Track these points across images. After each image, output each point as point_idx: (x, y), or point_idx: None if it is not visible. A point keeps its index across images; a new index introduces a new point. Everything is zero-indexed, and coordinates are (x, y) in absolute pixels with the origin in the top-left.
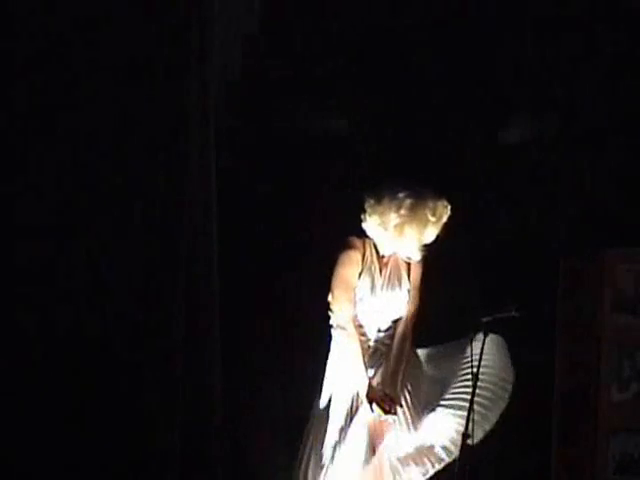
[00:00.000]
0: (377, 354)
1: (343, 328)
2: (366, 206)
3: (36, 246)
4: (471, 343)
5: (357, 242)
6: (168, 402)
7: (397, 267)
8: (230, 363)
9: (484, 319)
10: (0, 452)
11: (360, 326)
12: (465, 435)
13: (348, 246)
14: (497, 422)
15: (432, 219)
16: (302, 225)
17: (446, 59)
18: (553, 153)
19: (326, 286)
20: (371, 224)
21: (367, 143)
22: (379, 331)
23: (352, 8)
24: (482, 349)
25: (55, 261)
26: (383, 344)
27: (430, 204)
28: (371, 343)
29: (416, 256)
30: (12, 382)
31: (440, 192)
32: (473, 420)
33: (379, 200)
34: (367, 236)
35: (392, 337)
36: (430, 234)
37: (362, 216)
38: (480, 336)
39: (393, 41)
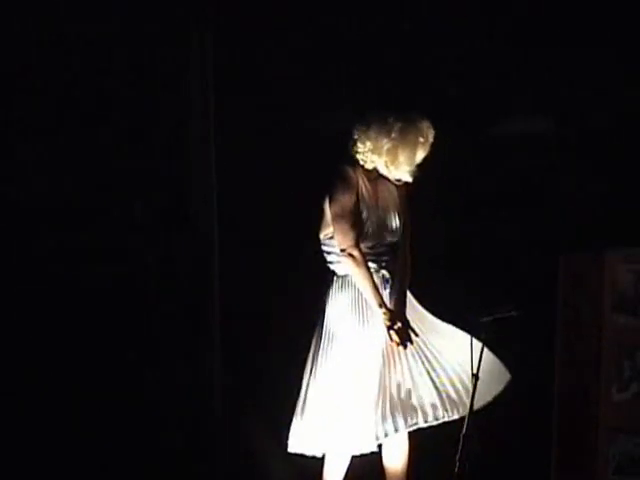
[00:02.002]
0: (382, 280)
1: (350, 255)
2: (356, 134)
3: (35, 245)
4: (471, 343)
5: (349, 170)
6: (168, 402)
7: (388, 192)
8: (230, 363)
9: (484, 319)
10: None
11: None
12: (465, 435)
13: (342, 174)
14: (497, 422)
15: (421, 140)
16: (302, 224)
17: (446, 56)
18: (553, 153)
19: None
20: (363, 150)
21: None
22: (379, 256)
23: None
24: (482, 349)
25: (54, 261)
26: (386, 269)
27: (418, 126)
28: (375, 268)
29: (408, 178)
30: (12, 382)
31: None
32: (473, 420)
33: (369, 126)
34: (357, 163)
35: (393, 262)
36: (420, 155)
37: (351, 143)
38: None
39: (392, 36)
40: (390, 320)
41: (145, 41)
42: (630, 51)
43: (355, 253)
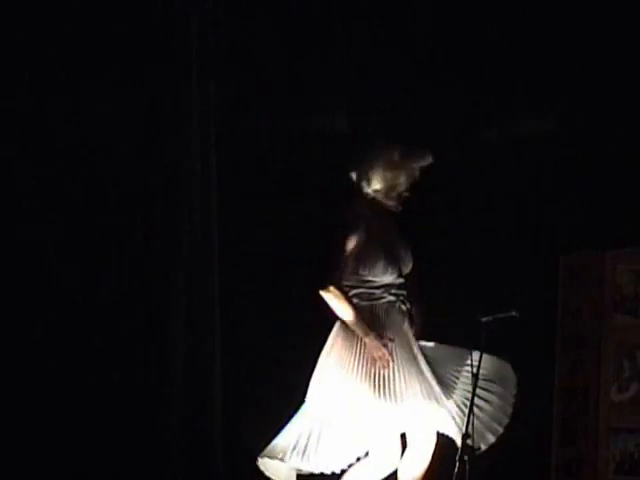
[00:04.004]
0: (402, 313)
1: (330, 291)
2: (356, 170)
3: (36, 245)
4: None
5: (354, 210)
6: (169, 402)
7: (394, 224)
8: (230, 363)
9: (484, 319)
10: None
11: (378, 287)
12: (465, 435)
13: (349, 217)
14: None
15: (419, 166)
16: (302, 224)
17: (448, 56)
18: (553, 152)
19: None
20: (365, 185)
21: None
22: (399, 289)
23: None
24: (482, 349)
25: (53, 261)
26: (405, 302)
27: (416, 154)
28: (395, 301)
29: (401, 202)
30: (11, 382)
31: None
32: (473, 420)
33: (367, 161)
34: (362, 200)
35: (406, 293)
36: (416, 178)
37: (352, 182)
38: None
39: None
40: (375, 348)
41: (145, 41)
42: (630, 51)
43: (333, 289)
